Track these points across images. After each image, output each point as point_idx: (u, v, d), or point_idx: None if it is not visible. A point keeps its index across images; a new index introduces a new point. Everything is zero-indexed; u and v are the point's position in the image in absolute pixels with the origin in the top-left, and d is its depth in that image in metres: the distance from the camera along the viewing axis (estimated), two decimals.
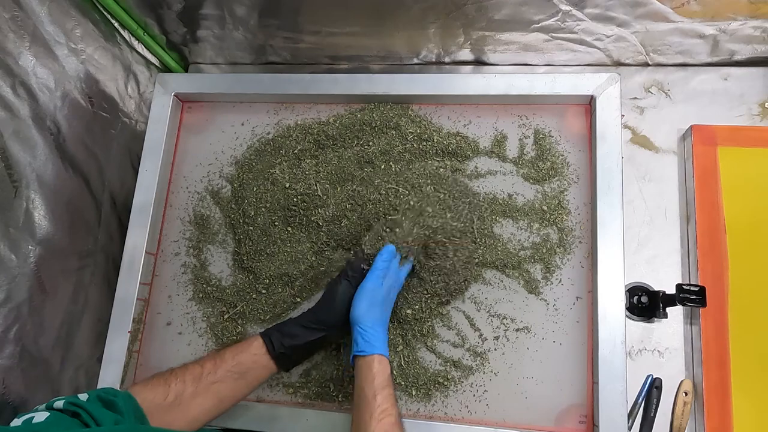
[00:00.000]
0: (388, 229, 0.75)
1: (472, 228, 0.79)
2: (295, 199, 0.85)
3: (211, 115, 0.94)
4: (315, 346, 0.72)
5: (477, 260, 0.79)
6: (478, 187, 0.83)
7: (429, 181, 0.81)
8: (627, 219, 0.78)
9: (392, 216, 0.76)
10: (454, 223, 0.76)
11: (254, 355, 0.69)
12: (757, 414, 0.76)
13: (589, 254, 0.78)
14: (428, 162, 0.84)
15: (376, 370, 0.65)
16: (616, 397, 0.69)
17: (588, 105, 0.83)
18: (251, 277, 0.84)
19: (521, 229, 0.80)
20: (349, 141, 0.87)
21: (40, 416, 0.50)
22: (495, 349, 0.77)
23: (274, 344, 0.69)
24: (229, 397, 0.68)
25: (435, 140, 0.84)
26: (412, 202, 0.77)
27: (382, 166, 0.84)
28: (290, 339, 0.70)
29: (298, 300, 0.83)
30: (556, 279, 0.78)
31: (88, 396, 0.56)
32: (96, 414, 0.53)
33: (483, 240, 0.79)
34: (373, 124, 0.86)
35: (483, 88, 0.84)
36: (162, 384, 0.65)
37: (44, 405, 0.53)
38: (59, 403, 0.53)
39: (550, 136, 0.83)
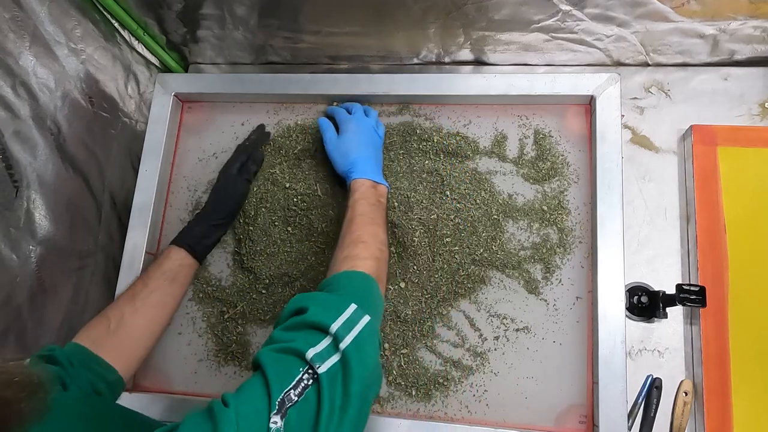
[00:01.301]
0: None
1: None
2: (295, 199, 0.85)
3: (211, 115, 0.94)
4: (225, 223, 0.85)
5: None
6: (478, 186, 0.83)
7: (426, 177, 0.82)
8: (627, 219, 0.78)
9: None
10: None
11: (177, 261, 0.79)
12: (757, 414, 0.76)
13: (589, 254, 0.78)
14: (426, 161, 0.84)
15: (353, 188, 0.74)
16: (616, 397, 0.69)
17: (588, 105, 0.83)
18: (251, 277, 0.84)
19: (521, 229, 0.80)
20: None
21: None
22: (495, 349, 0.77)
23: (195, 249, 0.80)
24: (168, 302, 0.77)
25: (435, 140, 0.84)
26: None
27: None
28: (207, 239, 0.83)
29: None
30: (556, 279, 0.78)
31: (29, 360, 0.59)
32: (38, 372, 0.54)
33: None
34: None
35: (483, 88, 0.84)
36: (100, 318, 0.70)
37: None
38: None
39: (550, 136, 0.83)
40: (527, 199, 0.81)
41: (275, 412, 0.43)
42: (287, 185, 0.86)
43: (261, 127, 0.90)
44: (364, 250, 0.65)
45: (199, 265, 0.83)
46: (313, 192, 0.84)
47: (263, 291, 0.84)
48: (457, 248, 0.79)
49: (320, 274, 0.82)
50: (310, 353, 0.48)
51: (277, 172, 0.87)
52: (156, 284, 0.75)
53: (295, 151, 0.88)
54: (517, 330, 0.77)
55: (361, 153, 0.78)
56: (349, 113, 0.83)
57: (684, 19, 0.85)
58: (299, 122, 0.90)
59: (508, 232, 0.80)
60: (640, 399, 0.80)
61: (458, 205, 0.81)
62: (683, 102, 0.94)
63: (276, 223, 0.85)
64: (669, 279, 0.85)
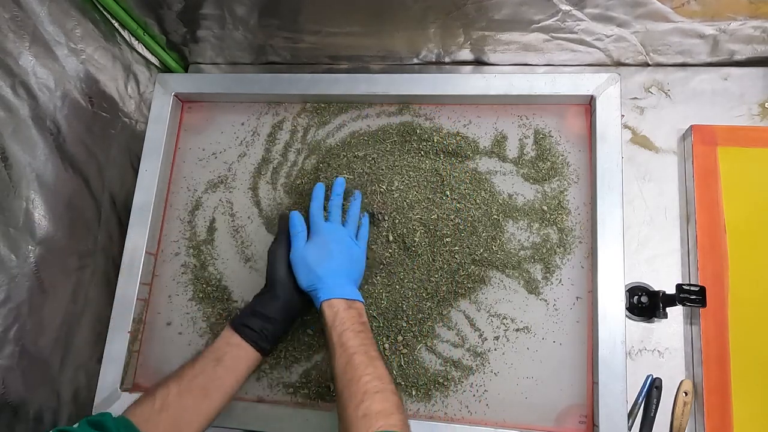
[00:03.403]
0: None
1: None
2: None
3: (211, 115, 0.94)
4: (285, 320, 0.72)
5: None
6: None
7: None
8: (627, 219, 0.78)
9: None
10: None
11: (225, 337, 0.70)
12: (757, 414, 0.76)
13: (589, 254, 0.78)
14: (426, 161, 0.84)
15: (327, 314, 0.67)
16: (616, 397, 0.69)
17: (588, 105, 0.83)
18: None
19: (521, 229, 0.80)
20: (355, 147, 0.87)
21: None
22: (495, 349, 0.77)
23: (236, 323, 0.70)
24: (214, 387, 0.66)
25: (435, 140, 0.84)
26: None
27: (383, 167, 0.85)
28: (250, 319, 0.70)
29: None
30: (556, 279, 0.78)
31: (78, 424, 0.56)
32: None
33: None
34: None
35: (483, 88, 0.84)
36: (148, 395, 0.64)
37: None
38: None
39: (550, 136, 0.83)
40: (527, 199, 0.81)
41: None
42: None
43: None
44: (383, 401, 0.57)
45: (257, 352, 0.70)
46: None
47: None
48: (457, 248, 0.79)
49: None
50: None
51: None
52: (202, 365, 0.67)
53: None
54: (517, 330, 0.77)
55: (330, 266, 0.70)
56: (326, 212, 0.77)
57: (684, 19, 0.85)
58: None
59: (508, 232, 0.80)
60: (640, 399, 0.80)
61: (458, 205, 0.81)
62: (683, 102, 0.94)
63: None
64: (669, 279, 0.85)
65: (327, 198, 0.79)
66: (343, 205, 0.79)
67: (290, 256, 0.73)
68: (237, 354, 0.69)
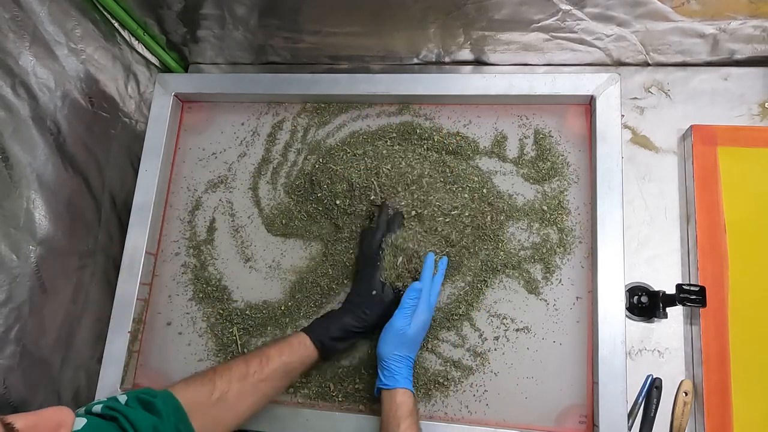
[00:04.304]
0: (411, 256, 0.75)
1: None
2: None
3: (211, 115, 0.94)
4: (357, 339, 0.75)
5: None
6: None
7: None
8: (627, 219, 0.78)
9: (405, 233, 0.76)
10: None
11: (303, 356, 0.70)
12: (757, 414, 0.76)
13: (589, 254, 0.78)
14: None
15: (399, 401, 0.66)
16: (616, 397, 0.69)
17: (588, 105, 0.83)
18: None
19: (521, 229, 0.80)
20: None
21: (79, 422, 0.49)
22: (495, 349, 0.77)
23: (326, 347, 0.71)
24: (273, 394, 0.69)
25: (435, 140, 0.84)
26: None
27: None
28: (339, 342, 0.72)
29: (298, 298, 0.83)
30: (556, 279, 0.78)
31: (126, 398, 0.56)
32: (133, 417, 0.52)
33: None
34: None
35: (483, 88, 0.84)
36: (207, 382, 0.64)
37: (83, 408, 0.53)
38: (98, 407, 0.53)
39: (550, 136, 0.83)
40: (527, 199, 0.81)
41: None
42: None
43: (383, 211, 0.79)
44: None
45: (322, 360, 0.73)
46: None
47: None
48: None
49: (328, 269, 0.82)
50: None
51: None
52: (270, 374, 0.67)
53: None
54: (517, 330, 0.77)
55: (414, 352, 0.71)
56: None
57: (684, 18, 0.85)
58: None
59: (508, 232, 0.80)
60: (640, 399, 0.80)
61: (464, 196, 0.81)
62: (683, 102, 0.94)
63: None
64: (669, 279, 0.85)
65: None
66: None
67: (394, 321, 0.69)
68: (305, 370, 0.72)
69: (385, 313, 0.72)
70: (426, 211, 0.77)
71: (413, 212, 0.77)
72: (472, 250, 0.79)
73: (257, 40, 1.03)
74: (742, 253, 0.81)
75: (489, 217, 0.79)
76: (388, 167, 0.80)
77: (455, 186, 0.80)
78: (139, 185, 0.87)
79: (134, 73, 1.01)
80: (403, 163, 0.81)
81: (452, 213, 0.77)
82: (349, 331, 0.72)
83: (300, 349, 0.70)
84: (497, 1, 0.85)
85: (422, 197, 0.78)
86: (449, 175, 0.81)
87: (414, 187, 0.79)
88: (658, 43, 0.92)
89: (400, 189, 0.79)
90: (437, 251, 0.76)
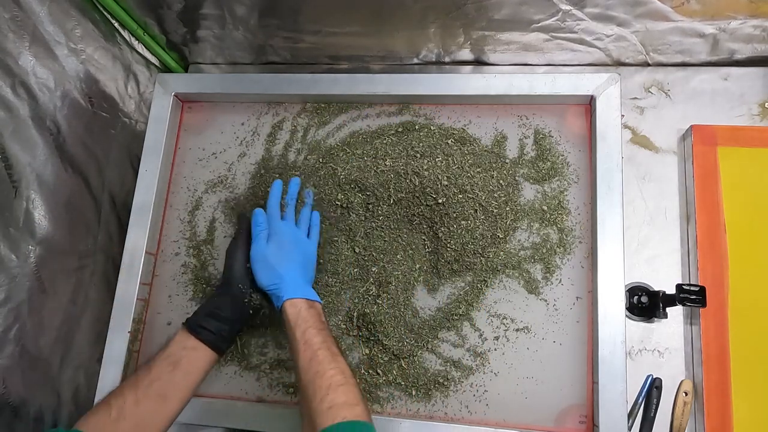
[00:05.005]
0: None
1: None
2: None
3: (211, 115, 0.94)
4: (241, 319, 0.74)
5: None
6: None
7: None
8: (627, 219, 0.78)
9: None
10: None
11: (179, 341, 0.70)
12: (757, 414, 0.76)
13: (589, 254, 0.78)
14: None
15: (289, 313, 0.68)
16: (616, 397, 0.69)
17: (588, 105, 0.83)
18: None
19: (521, 229, 0.80)
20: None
21: None
22: (495, 349, 0.77)
23: (190, 325, 0.71)
24: (171, 392, 0.67)
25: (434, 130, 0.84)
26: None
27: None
28: (208, 320, 0.71)
29: None
30: (556, 279, 0.78)
31: None
32: None
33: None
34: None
35: (483, 88, 0.84)
36: (103, 405, 0.64)
37: None
38: None
39: (550, 136, 0.83)
40: (527, 199, 0.81)
41: None
42: None
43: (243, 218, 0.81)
44: (346, 393, 0.59)
45: (213, 352, 0.71)
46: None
47: None
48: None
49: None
50: None
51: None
52: (158, 370, 0.67)
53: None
54: (517, 330, 0.77)
55: (290, 267, 0.72)
56: (283, 211, 0.78)
57: (684, 18, 0.85)
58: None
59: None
60: (640, 399, 0.80)
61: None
62: (683, 102, 0.94)
63: None
64: (669, 279, 0.85)
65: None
66: (296, 205, 0.80)
67: (251, 254, 0.74)
68: (194, 357, 0.70)
69: (241, 275, 0.74)
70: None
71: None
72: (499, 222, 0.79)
73: (257, 40, 1.03)
74: (742, 253, 0.81)
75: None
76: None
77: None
78: (139, 185, 0.87)
79: (134, 73, 1.01)
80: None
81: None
82: (211, 308, 0.72)
83: (176, 336, 0.71)
84: (497, 1, 0.85)
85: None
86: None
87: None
88: (658, 43, 0.92)
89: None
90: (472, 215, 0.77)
